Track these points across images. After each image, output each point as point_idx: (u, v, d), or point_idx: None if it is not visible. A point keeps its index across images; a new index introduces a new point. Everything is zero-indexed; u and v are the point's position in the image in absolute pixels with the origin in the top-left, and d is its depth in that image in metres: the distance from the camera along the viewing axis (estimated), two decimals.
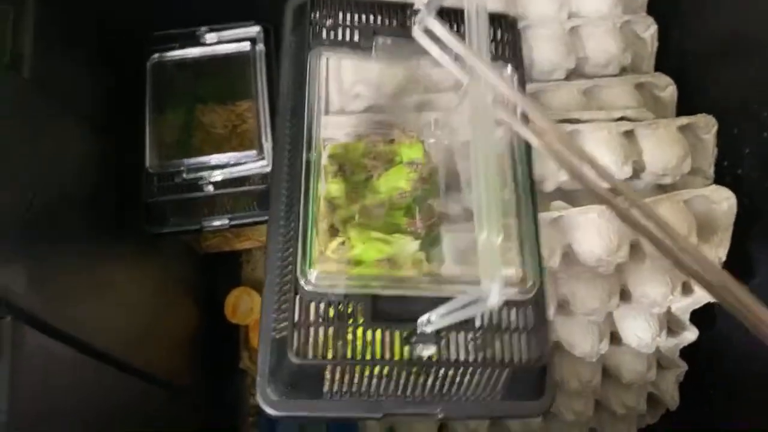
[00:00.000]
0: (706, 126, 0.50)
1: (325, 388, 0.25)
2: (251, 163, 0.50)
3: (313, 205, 0.27)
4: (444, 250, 0.27)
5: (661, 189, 0.51)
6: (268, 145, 0.50)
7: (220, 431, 0.62)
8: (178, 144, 0.52)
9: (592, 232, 0.46)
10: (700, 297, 0.50)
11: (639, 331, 0.51)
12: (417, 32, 0.25)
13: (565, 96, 0.50)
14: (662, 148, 0.48)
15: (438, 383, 0.26)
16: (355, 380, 0.26)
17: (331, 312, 0.25)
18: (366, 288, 0.26)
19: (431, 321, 0.25)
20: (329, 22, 0.31)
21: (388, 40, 0.30)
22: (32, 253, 0.34)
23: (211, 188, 0.50)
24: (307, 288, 0.25)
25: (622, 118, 0.49)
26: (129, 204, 0.50)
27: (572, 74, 0.52)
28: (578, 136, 0.48)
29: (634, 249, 0.47)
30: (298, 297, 0.25)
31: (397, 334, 0.25)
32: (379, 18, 0.31)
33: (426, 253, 0.29)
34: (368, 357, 0.25)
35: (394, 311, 0.26)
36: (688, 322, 0.54)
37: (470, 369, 0.26)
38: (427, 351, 0.25)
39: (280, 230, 0.28)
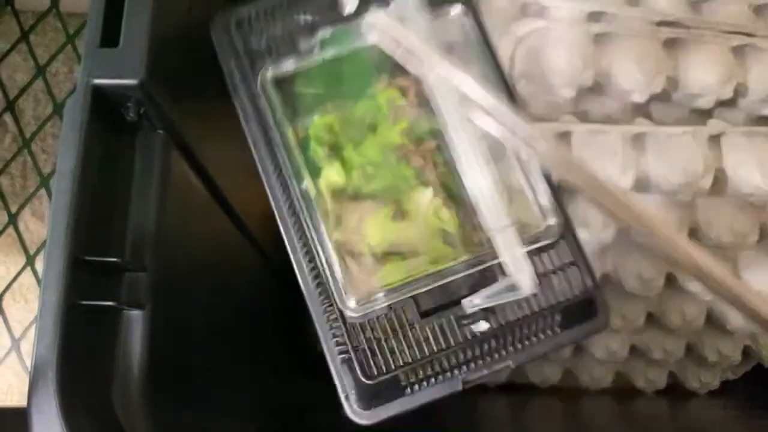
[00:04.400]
0: None
1: (404, 385, 0.26)
2: None
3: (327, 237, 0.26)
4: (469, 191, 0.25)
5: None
6: None
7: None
8: None
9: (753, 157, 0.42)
10: None
11: None
12: (364, 28, 0.23)
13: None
14: None
15: (501, 343, 0.27)
16: (428, 372, 0.26)
17: (383, 325, 0.26)
18: (406, 293, 0.26)
19: (476, 303, 0.25)
20: (263, 41, 0.28)
21: (328, 32, 0.27)
22: (185, 69, 0.32)
23: None
24: (352, 315, 0.26)
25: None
26: None
27: None
28: (675, 46, 0.44)
29: None
30: (347, 324, 0.26)
31: (446, 321, 0.26)
32: (309, 12, 0.28)
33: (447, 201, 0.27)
34: (430, 352, 0.26)
35: (437, 301, 0.26)
36: None
37: (524, 323, 0.27)
38: (481, 327, 0.26)
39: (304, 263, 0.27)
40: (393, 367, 0.26)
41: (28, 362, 0.43)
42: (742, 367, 0.60)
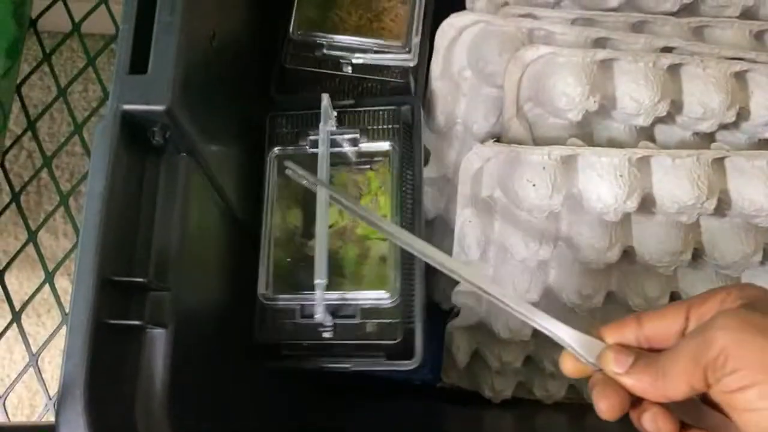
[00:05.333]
0: None
1: (284, 354, 0.42)
2: (395, 54, 0.48)
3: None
4: None
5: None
6: (416, 39, 0.47)
7: None
8: (322, 19, 0.49)
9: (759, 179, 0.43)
10: None
11: None
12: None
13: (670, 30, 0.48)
14: None
15: (342, 351, 0.42)
16: (299, 350, 0.42)
17: (281, 316, 0.41)
18: (295, 302, 0.41)
19: (318, 317, 0.39)
20: (281, 131, 0.45)
21: (313, 135, 0.43)
22: (208, 96, 0.33)
23: (349, 69, 0.47)
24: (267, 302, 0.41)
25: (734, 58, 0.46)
26: (267, 73, 0.48)
27: (683, 11, 0.49)
28: (678, 71, 0.45)
29: None
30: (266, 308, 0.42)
31: (312, 325, 0.40)
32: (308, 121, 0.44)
33: None
34: (302, 338, 0.41)
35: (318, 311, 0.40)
36: None
37: (357, 346, 0.41)
38: (326, 334, 0.40)
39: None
40: (278, 338, 0.41)
41: (44, 377, 0.43)
42: None
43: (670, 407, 0.28)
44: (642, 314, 0.30)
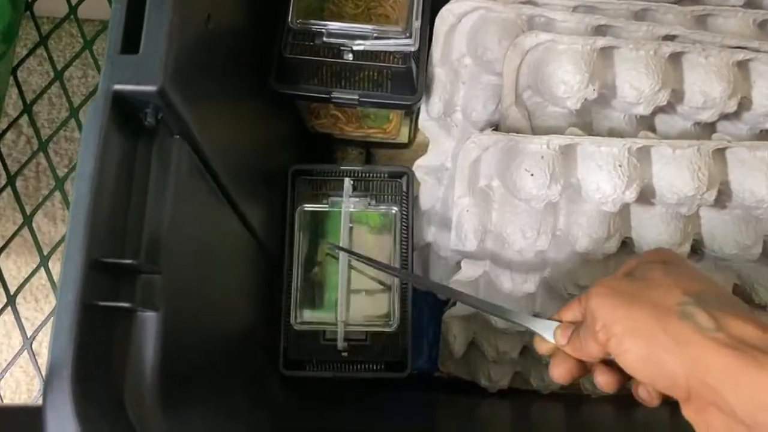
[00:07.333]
0: None
1: (308, 369, 0.52)
2: (396, 39, 0.47)
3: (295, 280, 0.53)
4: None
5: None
6: (416, 24, 0.47)
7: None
8: (320, 8, 0.49)
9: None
10: None
11: None
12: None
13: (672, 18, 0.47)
14: None
15: (353, 365, 0.52)
16: (319, 365, 0.52)
17: (304, 339, 0.51)
18: (315, 327, 0.52)
19: (340, 345, 0.50)
20: (305, 190, 0.54)
21: (334, 196, 0.53)
22: (202, 78, 0.33)
23: (350, 57, 0.47)
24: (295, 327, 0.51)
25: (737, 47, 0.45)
26: (265, 59, 0.47)
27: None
28: (680, 60, 0.45)
29: None
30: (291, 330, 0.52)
31: (332, 344, 0.51)
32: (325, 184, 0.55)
33: None
34: (324, 355, 0.52)
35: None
36: None
37: (362, 361, 0.51)
38: (346, 353, 0.51)
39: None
40: (304, 355, 0.51)
41: (39, 361, 0.43)
42: None
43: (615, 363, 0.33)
44: (583, 295, 0.34)
